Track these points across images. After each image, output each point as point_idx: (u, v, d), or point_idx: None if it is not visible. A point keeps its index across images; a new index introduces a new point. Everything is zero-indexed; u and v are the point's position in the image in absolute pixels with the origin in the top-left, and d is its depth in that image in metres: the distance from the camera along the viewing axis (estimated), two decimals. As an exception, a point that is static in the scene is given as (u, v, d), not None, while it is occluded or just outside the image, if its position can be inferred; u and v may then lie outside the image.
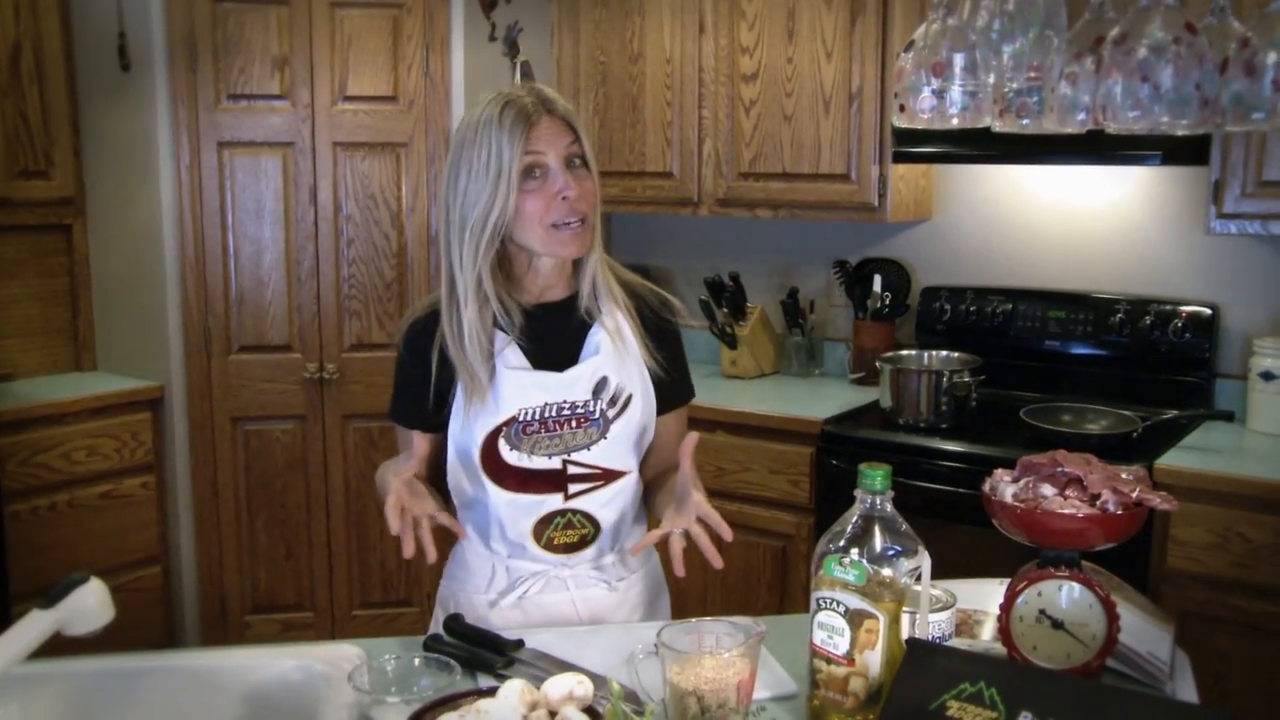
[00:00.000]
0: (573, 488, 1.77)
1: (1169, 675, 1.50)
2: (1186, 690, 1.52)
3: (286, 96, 3.56)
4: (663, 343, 1.85)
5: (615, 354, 1.78)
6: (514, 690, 1.32)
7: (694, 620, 1.48)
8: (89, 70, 3.67)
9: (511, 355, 1.76)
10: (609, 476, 1.79)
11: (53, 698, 1.54)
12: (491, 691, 1.34)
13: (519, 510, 1.77)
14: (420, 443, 1.76)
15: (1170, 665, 1.51)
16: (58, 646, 1.39)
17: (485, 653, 1.58)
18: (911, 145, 3.11)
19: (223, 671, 1.60)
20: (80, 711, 1.54)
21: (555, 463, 1.76)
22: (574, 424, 1.76)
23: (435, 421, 1.80)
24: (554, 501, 1.77)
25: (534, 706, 1.31)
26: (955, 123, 1.66)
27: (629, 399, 1.79)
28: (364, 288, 3.67)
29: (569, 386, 1.76)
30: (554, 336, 1.79)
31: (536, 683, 1.36)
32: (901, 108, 1.69)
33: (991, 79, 1.65)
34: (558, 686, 1.32)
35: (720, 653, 1.36)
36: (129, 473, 3.62)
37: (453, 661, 1.47)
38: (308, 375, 3.67)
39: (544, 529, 1.78)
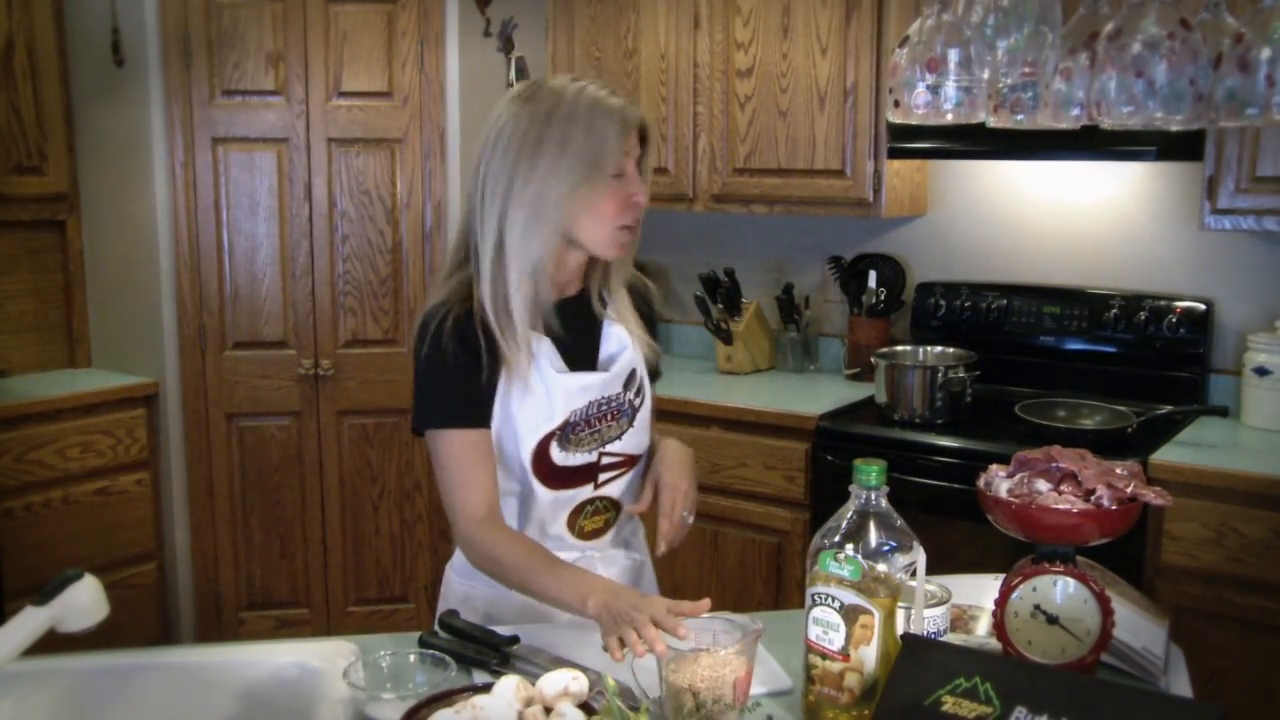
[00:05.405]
0: (602, 476, 1.81)
1: (1163, 670, 1.51)
2: (1181, 685, 1.53)
3: (281, 92, 3.55)
4: (649, 326, 1.91)
5: (632, 344, 1.82)
6: (509, 686, 1.31)
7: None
8: (83, 66, 3.66)
9: (551, 355, 1.74)
10: (631, 462, 1.84)
11: (47, 695, 1.53)
12: (487, 688, 1.34)
13: (559, 505, 1.79)
14: (485, 443, 1.69)
15: (1165, 660, 1.52)
16: (52, 643, 1.39)
17: (480, 649, 1.58)
18: (906, 141, 3.10)
19: (217, 668, 1.60)
20: (75, 708, 1.54)
21: (593, 456, 1.78)
22: (610, 418, 1.79)
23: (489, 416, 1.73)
24: (586, 492, 1.80)
25: (529, 702, 1.31)
26: (950, 118, 1.66)
27: (642, 384, 1.84)
28: (359, 284, 3.66)
29: (609, 383, 1.79)
30: (576, 332, 1.79)
31: (532, 679, 1.36)
32: (896, 103, 1.69)
33: (986, 74, 1.64)
34: (553, 682, 1.32)
35: (717, 650, 1.36)
36: (123, 469, 3.61)
37: (448, 658, 1.47)
38: (303, 371, 3.67)
39: (576, 518, 1.81)
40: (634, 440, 1.82)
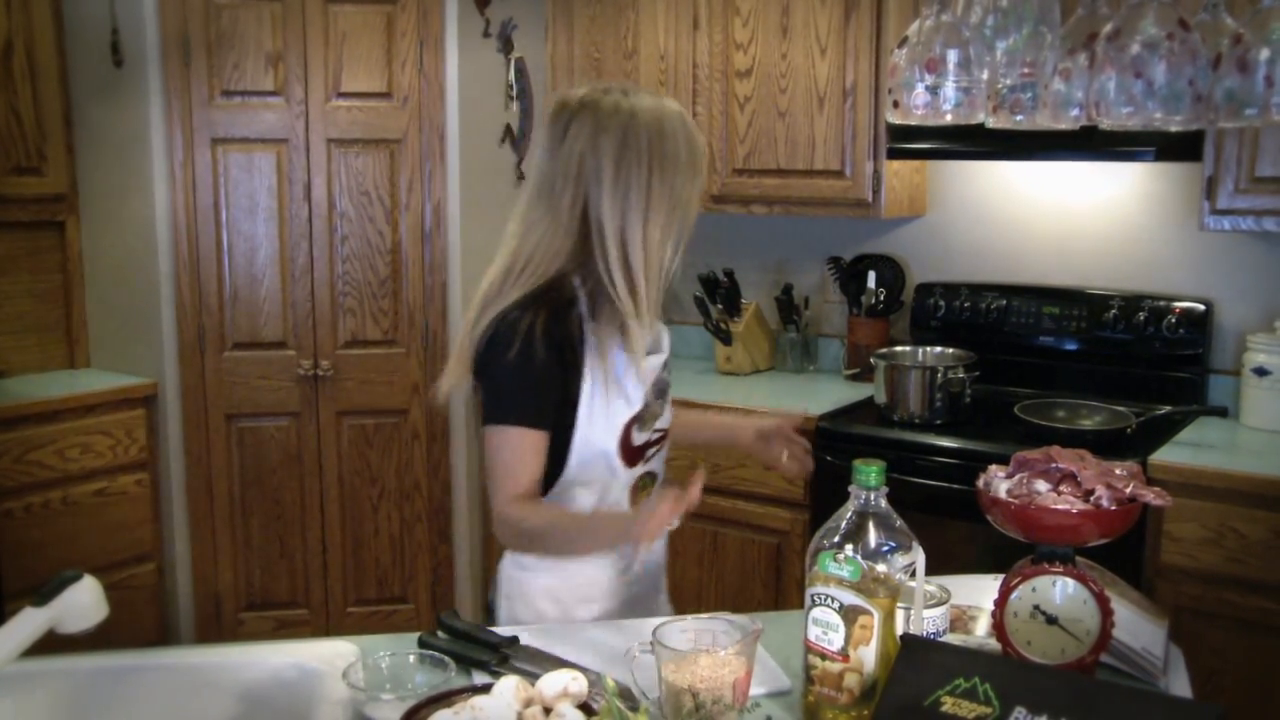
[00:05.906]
0: (649, 452, 1.87)
1: (1163, 670, 1.51)
2: (1180, 685, 1.53)
3: (280, 93, 3.55)
4: None
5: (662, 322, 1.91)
6: (509, 687, 1.31)
7: (689, 617, 1.48)
8: (82, 67, 3.66)
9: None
10: (665, 435, 1.92)
11: (46, 696, 1.53)
12: (486, 688, 1.34)
13: (628, 484, 1.85)
14: (543, 445, 1.74)
15: (1164, 661, 1.52)
16: (51, 644, 1.39)
17: (480, 649, 1.58)
18: (905, 141, 3.11)
19: (216, 669, 1.60)
20: (74, 709, 1.54)
21: (650, 434, 1.85)
22: (659, 396, 1.87)
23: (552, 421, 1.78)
24: (639, 469, 1.86)
25: (529, 703, 1.31)
26: (949, 119, 1.66)
27: (670, 361, 1.94)
28: (358, 284, 3.66)
29: (662, 365, 1.88)
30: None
31: (531, 679, 1.36)
32: (895, 104, 1.69)
33: (985, 75, 1.65)
34: (552, 683, 1.32)
35: (717, 651, 1.36)
36: (123, 470, 3.61)
37: (447, 658, 1.47)
38: (302, 372, 3.67)
39: (634, 495, 1.87)
40: (669, 413, 1.91)
